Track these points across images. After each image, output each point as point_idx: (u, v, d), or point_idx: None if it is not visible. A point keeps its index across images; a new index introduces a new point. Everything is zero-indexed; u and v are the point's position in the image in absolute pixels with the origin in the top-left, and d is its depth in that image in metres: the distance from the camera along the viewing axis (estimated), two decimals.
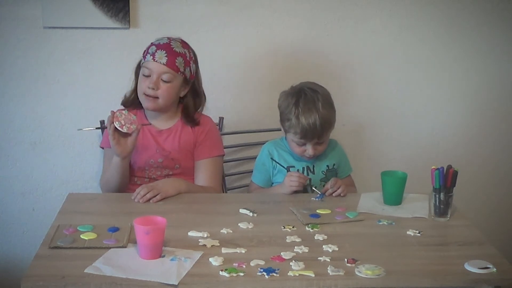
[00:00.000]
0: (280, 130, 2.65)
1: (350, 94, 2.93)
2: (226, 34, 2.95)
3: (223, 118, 2.91)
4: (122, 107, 2.59)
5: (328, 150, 2.61)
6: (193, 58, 2.55)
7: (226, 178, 2.93)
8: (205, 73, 2.91)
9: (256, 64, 2.99)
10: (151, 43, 2.51)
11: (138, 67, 2.55)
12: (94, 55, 2.91)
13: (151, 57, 2.45)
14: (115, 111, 2.35)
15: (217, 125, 2.90)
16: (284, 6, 2.96)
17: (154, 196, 2.29)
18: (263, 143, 3.01)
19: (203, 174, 2.54)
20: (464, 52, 3.09)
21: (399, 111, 3.13)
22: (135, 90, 2.56)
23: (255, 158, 3.03)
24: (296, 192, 2.42)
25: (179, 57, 2.46)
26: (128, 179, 2.50)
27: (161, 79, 2.46)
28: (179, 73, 2.47)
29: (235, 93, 3.01)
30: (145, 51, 2.51)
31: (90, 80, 2.93)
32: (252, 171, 3.03)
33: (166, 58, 2.44)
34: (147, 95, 2.47)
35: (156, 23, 2.89)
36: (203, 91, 2.61)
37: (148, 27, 2.89)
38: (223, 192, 2.89)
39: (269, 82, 3.01)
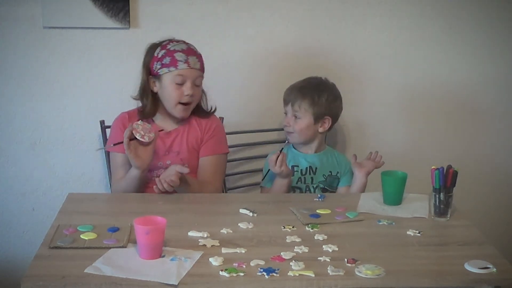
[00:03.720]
0: (279, 130, 2.66)
1: (350, 94, 2.92)
2: (226, 34, 2.95)
3: (223, 118, 2.91)
4: (123, 108, 2.60)
5: (339, 159, 2.70)
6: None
7: (226, 178, 2.92)
8: (205, 73, 2.91)
9: (256, 64, 2.99)
10: (170, 50, 2.46)
11: (147, 78, 2.50)
12: (94, 55, 2.91)
13: (185, 64, 2.44)
14: (133, 124, 2.33)
15: None
16: (284, 6, 2.96)
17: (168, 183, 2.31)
18: (263, 143, 3.03)
19: (206, 171, 2.54)
20: (464, 52, 3.09)
21: (399, 111, 3.13)
22: (152, 102, 2.52)
23: (255, 158, 3.04)
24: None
25: (202, 57, 2.51)
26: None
27: (195, 84, 2.47)
28: (203, 72, 2.52)
29: (235, 93, 3.01)
30: (158, 59, 2.46)
31: (90, 80, 2.93)
32: (252, 171, 3.04)
33: (199, 62, 2.48)
34: (184, 103, 2.47)
35: (156, 23, 2.89)
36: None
37: (148, 27, 2.89)
38: (223, 192, 2.89)
39: (269, 82, 3.01)
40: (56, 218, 2.11)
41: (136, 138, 2.33)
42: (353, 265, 1.81)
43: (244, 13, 2.94)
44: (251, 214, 2.18)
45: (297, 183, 2.64)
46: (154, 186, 2.34)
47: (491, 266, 1.81)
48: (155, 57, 2.49)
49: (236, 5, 2.93)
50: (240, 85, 3.01)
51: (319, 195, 2.39)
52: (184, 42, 2.52)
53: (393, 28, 3.03)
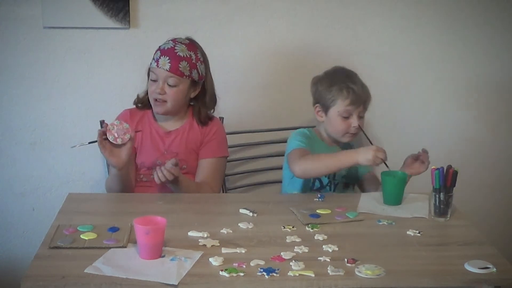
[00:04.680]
0: (279, 130, 2.65)
1: None
2: (226, 34, 2.95)
3: (223, 118, 2.91)
4: (124, 108, 2.60)
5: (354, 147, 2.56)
6: (201, 59, 2.54)
7: (226, 178, 2.93)
8: None
9: (256, 64, 3.00)
10: (159, 46, 2.50)
11: (149, 70, 2.55)
12: (94, 55, 2.91)
13: (155, 63, 2.46)
14: (107, 123, 2.29)
15: None
16: (284, 6, 2.96)
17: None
18: (264, 143, 3.02)
19: (205, 172, 2.54)
20: (465, 52, 3.09)
21: (399, 111, 3.13)
22: (146, 92, 2.56)
23: (255, 158, 3.04)
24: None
25: (183, 61, 2.46)
26: (133, 182, 2.50)
27: (167, 84, 2.47)
28: (184, 77, 2.47)
29: (235, 93, 3.01)
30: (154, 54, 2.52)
31: (90, 80, 2.93)
32: (252, 171, 3.04)
33: (169, 64, 2.45)
34: (155, 100, 2.49)
35: (156, 23, 2.89)
36: (215, 92, 2.61)
37: (148, 27, 2.89)
38: (224, 192, 2.89)
39: (269, 82, 3.01)
40: (56, 218, 2.11)
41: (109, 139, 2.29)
42: (353, 265, 1.80)
43: (244, 13, 2.94)
44: (251, 214, 2.18)
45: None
46: (153, 176, 2.35)
47: (491, 266, 1.80)
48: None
49: (236, 5, 2.93)
50: (240, 85, 3.01)
51: (319, 195, 2.38)
52: (178, 41, 2.50)
53: (393, 28, 3.03)
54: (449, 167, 2.21)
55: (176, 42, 2.50)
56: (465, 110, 3.15)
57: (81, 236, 1.94)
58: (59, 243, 1.88)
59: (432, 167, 2.21)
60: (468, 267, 1.80)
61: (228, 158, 2.87)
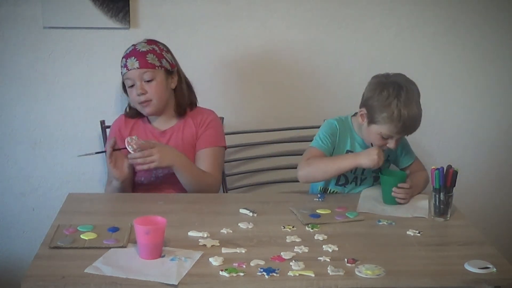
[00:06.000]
0: (279, 130, 2.65)
1: (350, 94, 2.92)
2: (226, 34, 2.95)
3: (223, 118, 2.91)
4: (123, 108, 2.61)
5: None
6: (165, 49, 2.55)
7: (226, 178, 2.93)
8: (205, 73, 2.92)
9: (256, 64, 2.99)
10: (122, 56, 2.52)
11: (124, 84, 2.56)
12: (94, 55, 2.91)
13: (125, 69, 2.48)
14: (127, 138, 2.36)
15: None
16: (284, 6, 2.96)
17: (148, 163, 2.32)
18: (264, 143, 3.02)
19: (203, 162, 2.51)
20: (465, 51, 3.09)
21: None
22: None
23: (255, 158, 3.04)
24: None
25: (149, 54, 2.47)
26: (131, 189, 2.52)
27: (145, 81, 2.47)
28: (157, 67, 2.48)
29: (235, 93, 3.01)
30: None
31: (90, 80, 2.93)
32: (252, 171, 3.04)
33: (138, 61, 2.46)
34: (141, 103, 2.49)
35: (156, 23, 2.89)
36: (188, 80, 2.62)
37: (148, 27, 2.89)
38: (224, 192, 2.89)
39: (269, 82, 3.01)
40: (56, 218, 2.11)
41: (121, 149, 2.38)
42: (353, 265, 1.81)
43: (244, 13, 2.94)
44: (251, 214, 2.18)
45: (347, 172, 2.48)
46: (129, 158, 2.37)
47: (491, 266, 1.81)
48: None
49: (236, 5, 2.93)
50: (240, 85, 3.01)
51: (319, 195, 2.39)
52: (138, 43, 2.52)
53: (393, 28, 3.03)
54: (449, 167, 2.21)
55: (135, 44, 2.52)
56: (465, 110, 3.15)
57: (81, 236, 1.94)
58: (59, 243, 1.89)
59: (432, 167, 2.21)
60: (468, 267, 1.80)
61: (228, 158, 2.88)
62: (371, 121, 2.36)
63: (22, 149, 2.96)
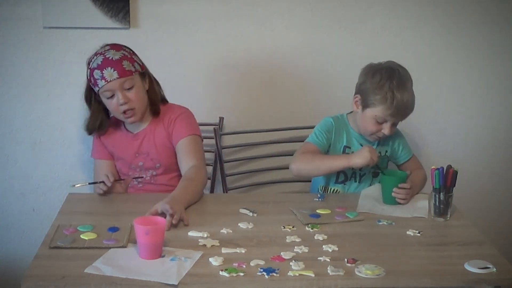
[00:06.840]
0: (279, 130, 2.65)
1: (350, 95, 2.92)
2: (226, 34, 2.95)
3: (223, 118, 2.91)
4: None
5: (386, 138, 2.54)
6: (131, 52, 2.49)
7: (226, 178, 2.93)
8: (205, 73, 2.92)
9: (256, 64, 2.99)
10: (91, 68, 2.42)
11: (88, 95, 2.49)
12: None
13: (102, 81, 2.39)
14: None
15: (216, 124, 2.90)
16: (284, 6, 2.96)
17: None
18: (264, 143, 3.02)
19: (184, 152, 2.46)
20: (465, 51, 3.09)
21: None
22: (96, 116, 2.51)
23: (255, 158, 3.03)
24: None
25: (123, 61, 2.40)
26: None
27: (125, 89, 2.41)
28: (134, 73, 2.42)
29: (235, 93, 3.01)
30: (89, 79, 2.44)
31: None
32: (252, 171, 3.04)
33: (116, 71, 2.38)
34: (124, 112, 2.43)
35: (156, 23, 2.89)
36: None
37: (148, 27, 2.89)
38: (224, 192, 2.90)
39: (269, 82, 3.01)
40: (56, 218, 2.12)
41: (121, 180, 2.51)
42: (353, 265, 1.81)
43: (244, 13, 2.94)
44: (251, 214, 2.18)
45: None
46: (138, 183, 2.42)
47: (491, 266, 1.81)
48: (87, 78, 2.46)
49: (236, 5, 2.93)
50: (240, 85, 3.01)
51: (319, 195, 2.39)
52: (103, 51, 2.42)
53: (393, 29, 3.03)
54: (449, 167, 2.21)
55: (102, 53, 2.42)
56: (465, 110, 3.15)
57: (81, 236, 1.94)
58: (59, 243, 1.89)
59: (432, 167, 2.21)
60: (468, 267, 1.80)
61: (228, 158, 2.88)
62: (365, 105, 2.42)
63: (22, 149, 2.96)
